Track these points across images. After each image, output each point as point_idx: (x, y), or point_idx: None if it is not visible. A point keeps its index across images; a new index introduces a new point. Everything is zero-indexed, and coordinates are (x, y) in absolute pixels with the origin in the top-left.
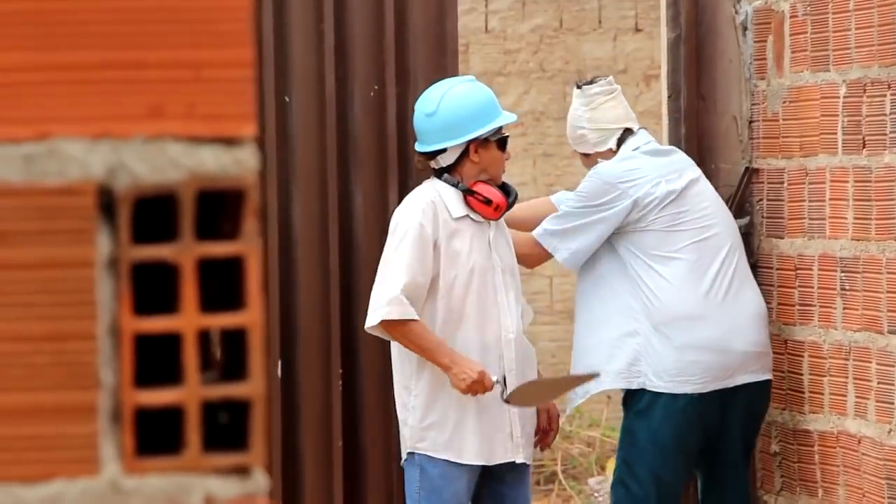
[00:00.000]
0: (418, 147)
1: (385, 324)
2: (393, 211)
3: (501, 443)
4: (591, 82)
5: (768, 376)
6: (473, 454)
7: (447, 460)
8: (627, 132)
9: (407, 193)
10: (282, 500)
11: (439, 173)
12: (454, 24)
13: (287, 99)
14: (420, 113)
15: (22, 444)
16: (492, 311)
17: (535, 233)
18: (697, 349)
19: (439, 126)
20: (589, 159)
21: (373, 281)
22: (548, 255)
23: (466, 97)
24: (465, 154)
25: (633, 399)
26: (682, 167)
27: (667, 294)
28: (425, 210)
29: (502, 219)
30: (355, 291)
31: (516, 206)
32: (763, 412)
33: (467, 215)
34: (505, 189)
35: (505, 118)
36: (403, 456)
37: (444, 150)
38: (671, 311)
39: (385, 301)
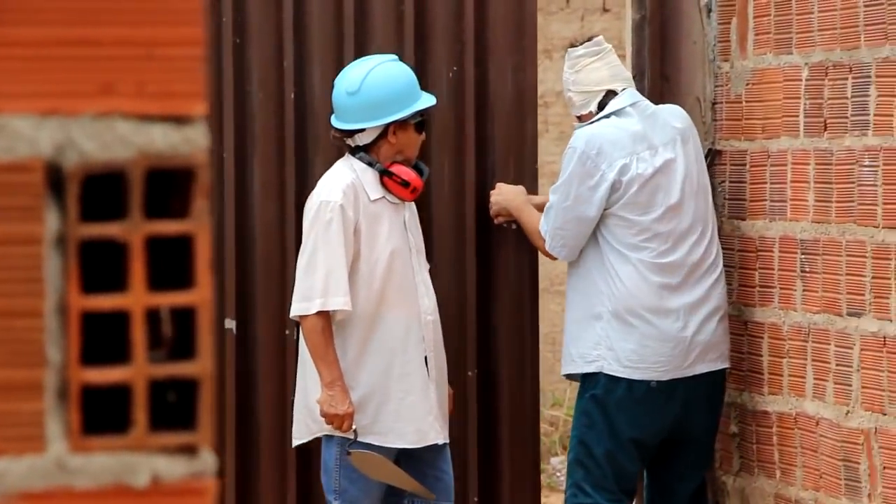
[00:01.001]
0: (336, 123)
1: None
2: (468, 190)
3: (425, 425)
4: (576, 45)
5: (726, 365)
6: (397, 437)
7: (370, 443)
8: (610, 94)
9: (484, 173)
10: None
11: (354, 150)
12: (533, 6)
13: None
14: (341, 90)
15: None
16: (411, 293)
17: (540, 226)
18: (657, 338)
19: (361, 105)
20: (581, 122)
21: (445, 257)
22: (542, 246)
23: (389, 78)
24: (383, 135)
25: (591, 382)
26: (662, 140)
27: (631, 282)
28: (346, 192)
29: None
30: (431, 270)
31: (525, 213)
32: (721, 402)
33: (384, 197)
34: (418, 169)
35: (425, 101)
36: (304, 438)
37: (362, 130)
38: (634, 300)
39: (320, 290)
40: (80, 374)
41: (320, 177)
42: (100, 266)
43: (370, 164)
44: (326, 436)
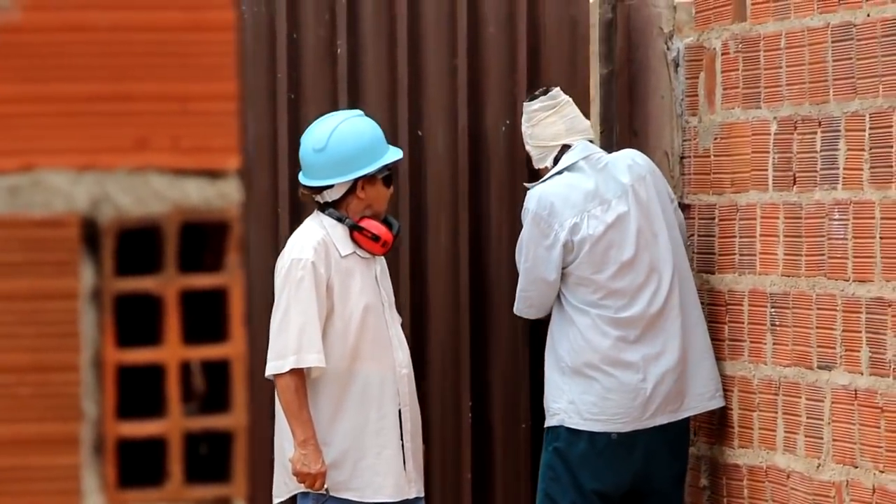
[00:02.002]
0: (303, 180)
1: (285, 372)
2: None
3: (402, 480)
4: (533, 98)
5: (686, 415)
6: (374, 491)
7: (348, 499)
8: (566, 148)
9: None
10: None
11: (323, 207)
12: (585, 62)
13: (420, 133)
14: (307, 147)
15: (5, 476)
16: (385, 347)
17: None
18: (617, 390)
19: (328, 162)
20: (536, 180)
21: (504, 312)
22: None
23: (356, 134)
24: (351, 190)
25: (553, 434)
26: (615, 193)
27: (590, 335)
28: (317, 250)
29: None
30: (486, 323)
31: None
32: (686, 452)
33: (354, 252)
34: (388, 223)
35: (392, 155)
36: (283, 496)
37: (330, 186)
38: (593, 353)
39: (293, 348)
40: (115, 427)
41: None
42: (135, 320)
43: (340, 220)
44: (302, 493)
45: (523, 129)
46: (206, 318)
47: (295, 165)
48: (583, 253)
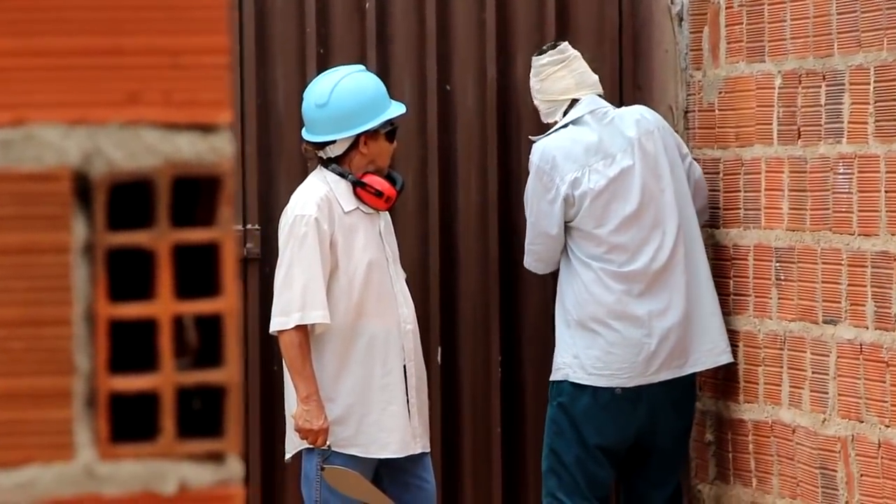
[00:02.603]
0: (306, 135)
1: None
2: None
3: (407, 435)
4: (541, 52)
5: (692, 371)
6: (379, 447)
7: (353, 455)
8: (573, 103)
9: None
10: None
11: (326, 163)
12: (614, 14)
13: (448, 88)
14: (310, 103)
15: None
16: (390, 303)
17: None
18: (621, 345)
19: (330, 117)
20: (542, 133)
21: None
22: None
23: (358, 89)
24: (354, 145)
25: (557, 390)
26: (620, 147)
27: (595, 289)
28: (321, 206)
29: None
30: (516, 278)
31: None
32: (691, 408)
33: (357, 208)
34: (391, 178)
35: (395, 110)
36: (292, 451)
37: (333, 142)
38: (598, 307)
39: (298, 304)
40: (108, 381)
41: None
42: (127, 274)
43: (342, 176)
44: (307, 448)
45: (532, 83)
46: (199, 272)
47: None
48: (584, 207)
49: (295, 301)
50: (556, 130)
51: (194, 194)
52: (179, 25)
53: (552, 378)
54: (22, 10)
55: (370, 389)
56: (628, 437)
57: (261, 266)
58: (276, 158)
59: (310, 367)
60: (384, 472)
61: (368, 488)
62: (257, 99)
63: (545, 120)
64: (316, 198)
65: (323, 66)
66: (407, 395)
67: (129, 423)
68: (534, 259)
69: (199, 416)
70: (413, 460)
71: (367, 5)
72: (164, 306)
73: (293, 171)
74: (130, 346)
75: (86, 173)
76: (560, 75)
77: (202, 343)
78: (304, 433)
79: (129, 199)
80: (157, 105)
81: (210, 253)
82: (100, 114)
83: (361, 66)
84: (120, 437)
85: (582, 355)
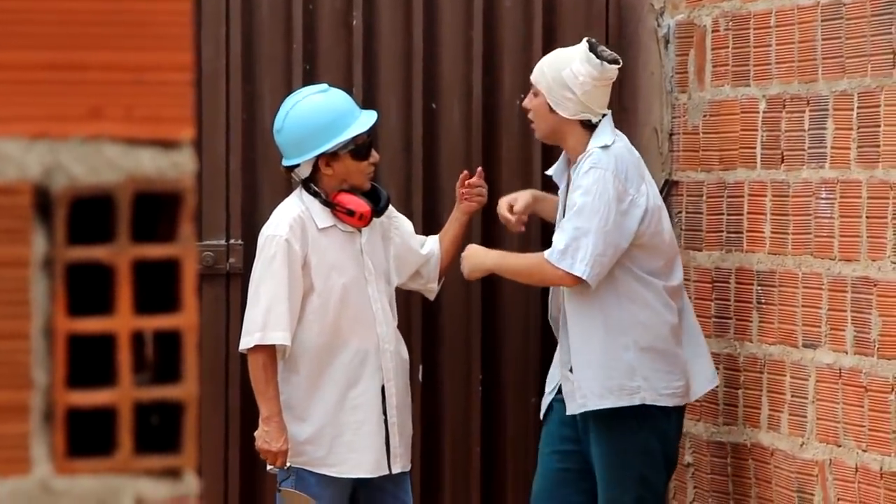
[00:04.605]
0: (282, 160)
1: (253, 348)
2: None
3: (380, 456)
4: (615, 62)
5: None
6: (351, 467)
7: (325, 475)
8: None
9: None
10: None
11: (304, 182)
12: (600, 35)
13: (433, 106)
14: (274, 129)
15: None
16: (368, 323)
17: (547, 254)
18: (679, 363)
19: (287, 142)
20: (550, 118)
21: (516, 286)
22: (564, 277)
23: (309, 113)
24: (317, 167)
25: (639, 414)
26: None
27: (658, 309)
28: (293, 226)
29: (380, 220)
30: (498, 294)
31: (510, 257)
32: None
33: (335, 225)
34: (375, 194)
35: (353, 129)
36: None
37: (298, 165)
38: (662, 326)
39: (259, 325)
40: (65, 396)
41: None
42: (86, 289)
43: (316, 195)
44: (288, 467)
45: (581, 78)
46: (158, 288)
47: None
48: (651, 219)
49: (257, 321)
50: (609, 143)
51: (155, 210)
52: (143, 42)
53: (622, 403)
54: None
55: (342, 410)
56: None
57: (243, 281)
58: (261, 173)
59: (273, 388)
60: (361, 493)
61: None
62: (243, 114)
63: (565, 113)
64: (289, 218)
65: (309, 81)
66: (385, 415)
67: (87, 437)
68: (598, 272)
69: (157, 431)
70: (393, 480)
71: (353, 22)
72: (123, 321)
73: (278, 187)
74: (89, 361)
75: (46, 187)
76: (607, 91)
77: (160, 359)
78: (263, 454)
79: (89, 214)
80: (118, 120)
81: (170, 269)
82: (61, 128)
83: (323, 86)
84: (77, 452)
85: (652, 377)
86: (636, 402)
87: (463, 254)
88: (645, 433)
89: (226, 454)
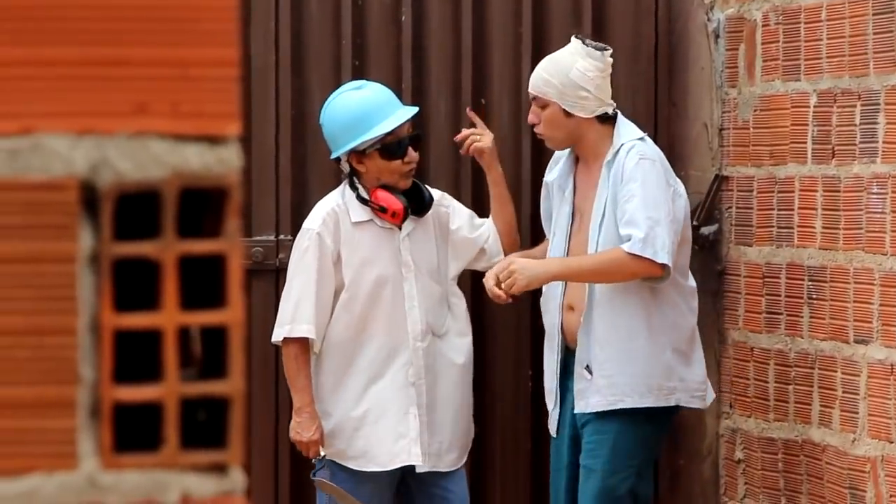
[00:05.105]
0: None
1: (284, 340)
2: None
3: (397, 448)
4: (606, 50)
5: None
6: (368, 461)
7: (349, 468)
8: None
9: None
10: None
11: (350, 178)
12: (650, 30)
13: (483, 101)
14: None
15: (1, 438)
16: (399, 318)
17: (628, 247)
18: (702, 370)
19: (326, 136)
20: (568, 123)
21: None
22: (650, 266)
23: (340, 109)
24: (352, 163)
25: (652, 412)
26: None
27: (686, 307)
28: (326, 220)
29: (435, 213)
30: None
31: (577, 261)
32: None
33: (371, 220)
34: (417, 193)
35: (377, 130)
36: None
37: (339, 159)
38: (690, 326)
39: (289, 318)
40: (112, 391)
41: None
42: (133, 284)
43: (355, 189)
44: (322, 456)
45: (591, 74)
46: (204, 284)
47: None
48: (685, 216)
49: (287, 314)
50: (632, 132)
51: (201, 206)
52: (188, 37)
53: (659, 404)
54: (32, 20)
55: (363, 403)
56: None
57: None
58: (310, 168)
59: (304, 378)
60: (412, 486)
61: (352, 502)
62: (292, 109)
63: (588, 115)
64: (323, 212)
65: (358, 77)
66: (414, 411)
67: (133, 433)
68: (673, 261)
69: (203, 427)
70: (441, 476)
71: (403, 17)
72: (169, 317)
73: (327, 181)
74: (135, 357)
75: (93, 183)
76: (609, 80)
77: (207, 354)
78: (296, 444)
79: (135, 210)
80: (164, 116)
81: (216, 264)
82: (108, 124)
83: (359, 83)
84: (123, 447)
85: (687, 378)
86: (671, 402)
87: (512, 268)
88: (653, 428)
89: (276, 450)
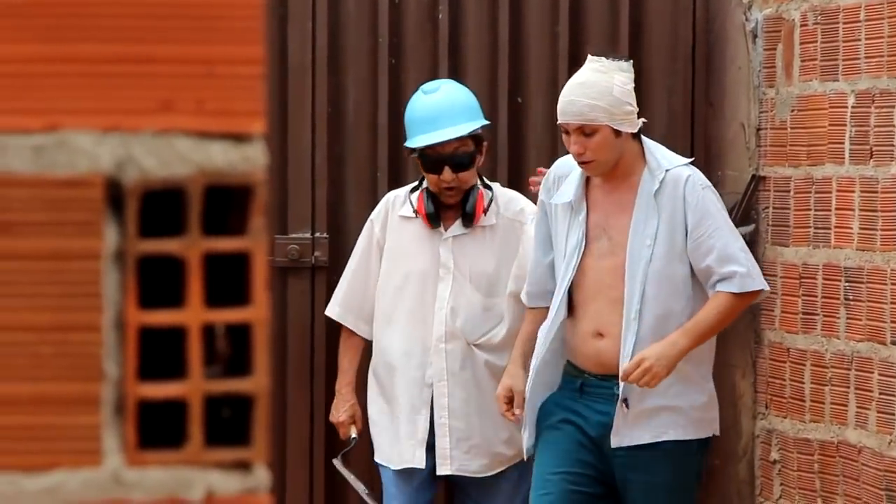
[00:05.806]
0: None
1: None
2: None
3: (405, 449)
4: (627, 59)
5: None
6: (380, 454)
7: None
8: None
9: None
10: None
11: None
12: (687, 30)
13: (519, 100)
14: None
15: (25, 434)
16: (426, 318)
17: (738, 286)
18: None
19: None
20: (618, 143)
21: None
22: (754, 296)
23: (407, 106)
24: None
25: (703, 446)
26: None
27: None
28: (380, 209)
29: (509, 226)
30: None
31: (693, 329)
32: None
33: (418, 216)
34: (465, 202)
35: (411, 142)
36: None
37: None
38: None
39: (334, 298)
40: (136, 388)
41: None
42: (157, 282)
43: (421, 184)
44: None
45: (628, 86)
46: (229, 281)
47: (394, 129)
48: None
49: (336, 295)
50: (674, 157)
51: (226, 203)
52: (213, 35)
53: (706, 434)
54: (57, 17)
55: (380, 398)
56: None
57: (329, 274)
58: (346, 167)
59: (345, 361)
60: (454, 488)
61: (359, 487)
62: (328, 107)
63: (627, 128)
64: (384, 200)
65: (394, 75)
66: (432, 413)
67: (157, 430)
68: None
69: (227, 424)
70: (473, 483)
71: (439, 16)
72: (193, 314)
73: (363, 180)
74: (159, 354)
75: (118, 180)
76: None
77: (232, 352)
78: (332, 420)
79: (160, 207)
80: (190, 114)
81: (241, 262)
82: (133, 121)
83: (434, 85)
84: (147, 444)
85: (717, 407)
86: (710, 433)
87: (646, 365)
88: (700, 458)
89: (311, 446)
